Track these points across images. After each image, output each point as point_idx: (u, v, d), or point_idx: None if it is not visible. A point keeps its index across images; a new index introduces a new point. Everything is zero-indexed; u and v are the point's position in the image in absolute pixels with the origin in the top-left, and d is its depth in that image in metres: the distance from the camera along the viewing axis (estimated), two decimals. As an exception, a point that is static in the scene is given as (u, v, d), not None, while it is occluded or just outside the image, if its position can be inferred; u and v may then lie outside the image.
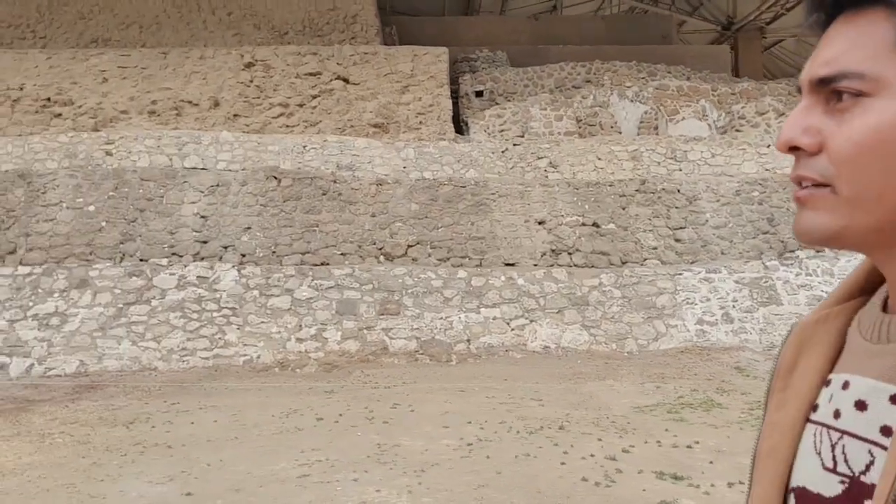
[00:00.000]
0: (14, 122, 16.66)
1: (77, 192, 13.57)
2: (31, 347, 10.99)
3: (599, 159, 15.58)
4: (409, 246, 13.18)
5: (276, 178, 14.01)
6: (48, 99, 17.16)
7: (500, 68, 21.49)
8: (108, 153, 15.04)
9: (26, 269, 11.93)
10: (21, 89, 17.38)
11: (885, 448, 0.61)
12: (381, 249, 13.16)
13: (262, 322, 11.49)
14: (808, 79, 0.67)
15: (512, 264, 12.94)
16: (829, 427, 0.68)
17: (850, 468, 0.65)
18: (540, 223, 13.51)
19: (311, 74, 18.21)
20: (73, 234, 12.99)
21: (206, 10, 21.05)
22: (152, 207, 13.48)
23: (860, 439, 0.64)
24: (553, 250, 13.14)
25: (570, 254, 13.08)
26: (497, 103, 20.65)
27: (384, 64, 18.55)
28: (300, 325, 11.47)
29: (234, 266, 12.21)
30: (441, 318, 11.55)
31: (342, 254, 13.06)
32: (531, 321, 11.56)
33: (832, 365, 0.72)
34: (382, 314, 11.59)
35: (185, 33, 20.65)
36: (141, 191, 13.69)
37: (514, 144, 15.94)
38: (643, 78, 19.91)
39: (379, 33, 21.27)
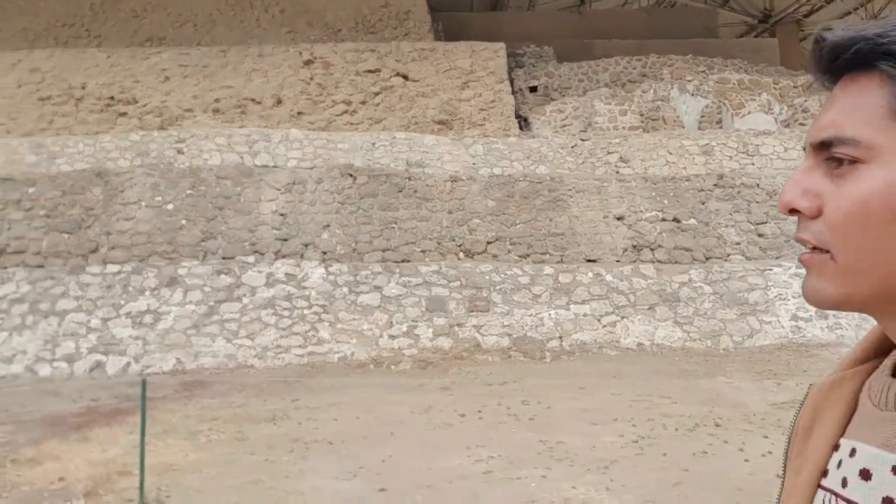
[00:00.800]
0: (80, 120, 16.75)
1: (155, 191, 13.61)
2: (127, 346, 11.04)
3: (671, 154, 15.45)
4: (489, 242, 13.13)
5: (351, 175, 13.98)
6: (112, 98, 17.24)
7: (553, 63, 21.37)
8: (180, 151, 15.09)
9: (115, 268, 11.99)
10: (83, 88, 17.47)
11: None
12: (460, 246, 13.11)
13: (353, 319, 11.48)
14: (811, 141, 0.66)
15: (593, 260, 12.85)
16: (837, 495, 0.67)
17: None
18: (619, 219, 13.41)
19: (370, 71, 18.19)
20: (155, 233, 13.03)
21: (258, 8, 21.08)
22: (230, 205, 13.49)
23: None
24: (634, 246, 13.04)
25: (652, 250, 12.97)
26: (552, 98, 20.54)
27: (442, 60, 18.49)
28: (391, 322, 11.45)
29: (320, 263, 12.21)
30: (531, 314, 11.49)
31: (422, 251, 13.02)
32: (622, 318, 11.48)
33: (844, 429, 0.71)
34: (472, 311, 11.54)
35: (238, 31, 20.69)
36: (218, 189, 13.71)
37: (582, 139, 15.84)
38: (702, 72, 19.73)
39: (432, 30, 21.22)
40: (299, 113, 17.16)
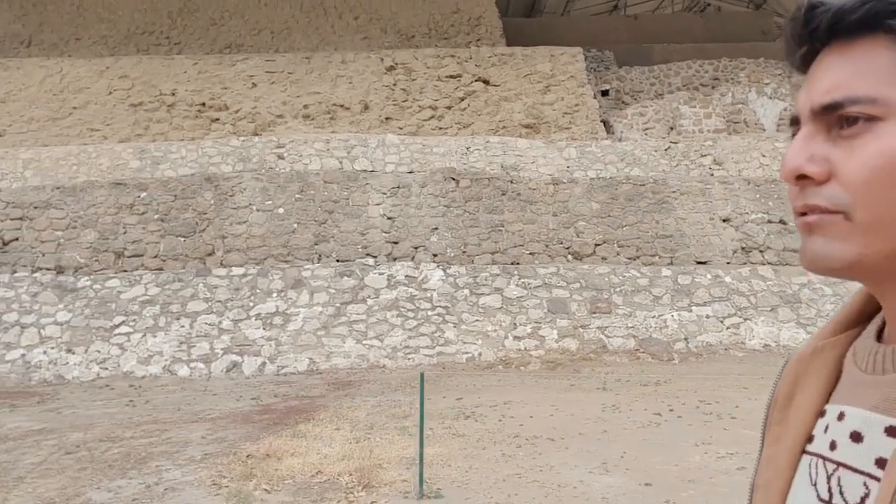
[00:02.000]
0: (175, 126, 17.07)
1: (265, 195, 13.86)
2: (260, 346, 11.26)
3: (763, 156, 15.51)
4: (597, 245, 13.25)
5: (454, 179, 14.17)
6: (203, 104, 17.55)
7: (625, 67, 21.48)
8: (280, 157, 15.35)
9: (240, 270, 12.24)
10: (173, 94, 17.81)
11: (879, 480, 0.61)
12: (568, 248, 13.24)
13: (477, 320, 11.64)
14: (810, 107, 0.65)
15: (703, 262, 12.94)
16: (824, 458, 0.67)
17: (845, 500, 0.64)
18: (724, 220, 13.49)
19: (451, 77, 18.40)
20: (269, 236, 13.27)
21: (333, 15, 21.37)
22: (339, 209, 13.72)
23: (855, 471, 0.63)
24: (743, 248, 13.11)
25: (761, 251, 13.04)
26: (623, 102, 20.65)
27: (522, 65, 18.66)
28: (514, 324, 11.59)
29: (438, 266, 12.38)
30: (654, 316, 11.60)
31: (531, 253, 13.17)
32: (745, 319, 11.56)
33: (828, 396, 0.71)
34: (594, 313, 11.67)
35: (314, 38, 20.98)
36: (325, 193, 13.94)
37: (673, 142, 15.93)
38: (779, 74, 19.76)
39: (503, 35, 21.40)
40: (387, 118, 17.38)
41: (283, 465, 5.63)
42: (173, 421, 7.77)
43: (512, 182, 14.19)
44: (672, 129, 17.81)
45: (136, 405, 8.88)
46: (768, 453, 0.75)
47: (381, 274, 12.21)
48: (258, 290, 11.96)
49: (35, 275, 12.16)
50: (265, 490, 5.13)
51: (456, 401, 8.44)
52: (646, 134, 17.67)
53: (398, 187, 14.10)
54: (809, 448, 0.70)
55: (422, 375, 5.42)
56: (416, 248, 13.25)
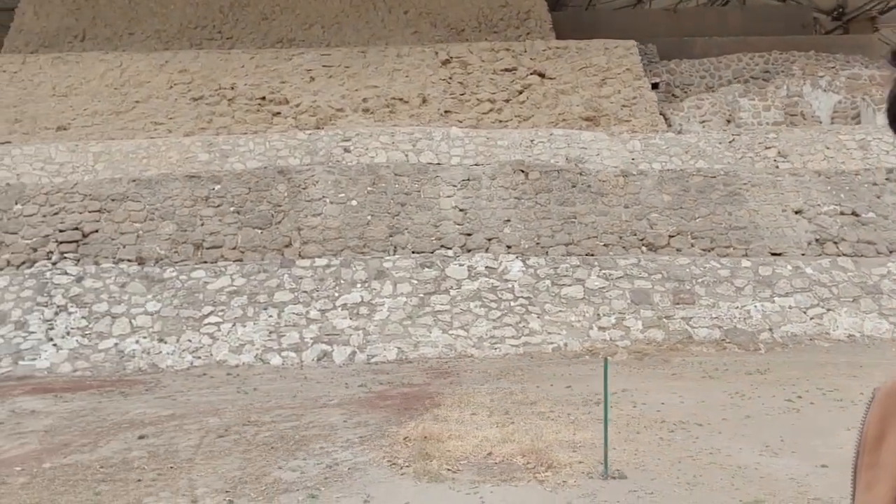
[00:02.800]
0: (237, 120, 17.23)
1: (337, 188, 13.99)
2: (349, 336, 11.41)
3: (828, 148, 15.53)
4: (671, 236, 13.32)
5: (523, 171, 14.26)
6: (263, 98, 17.70)
7: (675, 60, 21.48)
8: (346, 150, 15.48)
9: (324, 261, 12.38)
10: (233, 88, 17.96)
11: None
12: (642, 240, 13.32)
13: (560, 311, 11.75)
14: None
15: (778, 254, 12.98)
16: None
17: None
18: (797, 212, 13.53)
19: (506, 70, 18.47)
20: (344, 228, 13.41)
21: (382, 10, 21.46)
22: (411, 202, 13.83)
23: None
24: (817, 240, 13.15)
25: (835, 243, 13.07)
26: (674, 95, 20.67)
27: (577, 58, 18.71)
28: (598, 314, 11.69)
29: (517, 257, 12.49)
30: (737, 307, 11.67)
31: (605, 245, 13.25)
32: (828, 310, 11.61)
33: None
34: (678, 303, 11.75)
35: (365, 32, 21.08)
36: (397, 185, 14.06)
37: (735, 135, 15.96)
38: (832, 67, 19.72)
39: (553, 28, 21.45)
40: (446, 111, 17.48)
41: (449, 447, 5.76)
42: (299, 407, 7.92)
43: (581, 174, 14.26)
44: (729, 121, 17.82)
45: (248, 392, 9.04)
46: (862, 501, 0.68)
47: (461, 265, 12.33)
48: (342, 281, 12.10)
49: (121, 266, 12.34)
50: (448, 470, 5.26)
51: (566, 388, 8.56)
52: (703, 126, 17.70)
53: (468, 179, 14.20)
54: None
55: (606, 361, 5.53)
56: (489, 239, 13.35)
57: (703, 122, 17.87)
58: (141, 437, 6.71)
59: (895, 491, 0.65)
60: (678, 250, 13.14)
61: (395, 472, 5.29)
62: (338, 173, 14.23)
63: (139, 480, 5.37)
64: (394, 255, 12.80)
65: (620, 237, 13.39)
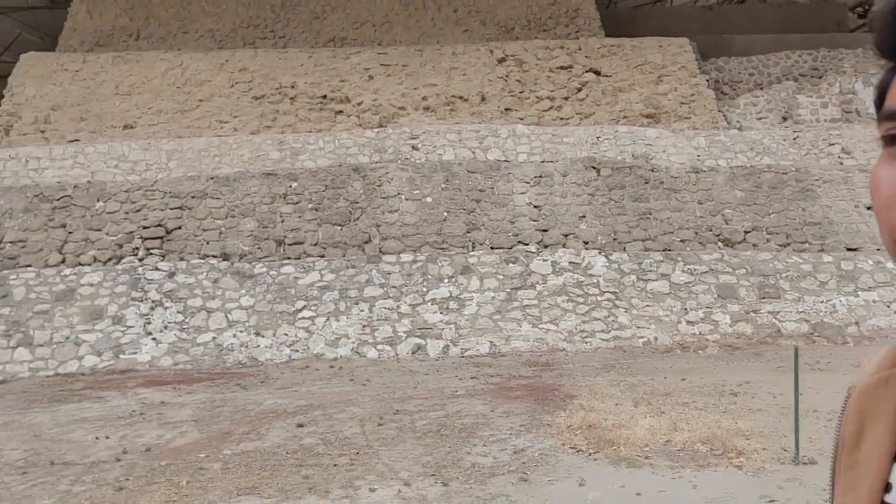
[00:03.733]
0: (301, 118, 17.41)
1: (411, 185, 14.18)
2: (441, 330, 11.60)
3: (892, 145, 15.66)
4: (746, 232, 13.48)
5: (594, 168, 14.43)
6: (324, 96, 17.87)
7: (723, 58, 21.60)
8: (415, 147, 15.65)
9: (410, 257, 12.58)
10: (293, 87, 18.13)
11: None
12: (718, 236, 13.48)
13: (647, 306, 11.92)
14: None
15: (854, 249, 13.13)
16: None
17: None
18: (869, 208, 13.66)
19: (562, 68, 18.61)
20: (422, 224, 13.59)
21: (432, 9, 21.61)
22: (486, 198, 14.01)
23: None
24: (892, 235, 13.29)
25: (910, 238, 13.21)
26: (723, 92, 20.80)
27: (632, 55, 18.85)
28: (685, 309, 11.86)
29: (600, 252, 12.66)
30: (822, 301, 11.83)
31: (682, 240, 13.42)
32: (912, 303, 11.77)
33: None
34: (763, 298, 11.92)
35: (415, 31, 21.24)
36: (470, 182, 14.24)
37: (798, 131, 16.10)
38: (882, 64, 19.79)
39: (602, 26, 21.58)
40: (507, 109, 17.64)
41: (622, 435, 5.93)
42: (432, 397, 8.11)
43: (652, 170, 14.43)
44: (785, 118, 17.96)
45: (364, 384, 9.24)
46: (842, 503, 0.66)
47: (544, 260, 12.51)
48: (429, 276, 12.29)
49: (211, 261, 12.55)
50: (639, 456, 5.44)
51: (681, 381, 8.73)
52: (761, 122, 17.83)
53: (540, 176, 14.38)
54: (888, 499, 0.62)
55: (796, 350, 5.70)
56: (566, 235, 13.53)
57: (760, 118, 18.01)
58: (300, 426, 6.91)
59: (875, 492, 0.62)
60: (755, 245, 13.30)
61: (586, 458, 5.47)
62: (411, 170, 14.42)
63: (335, 465, 5.56)
64: (475, 250, 12.98)
65: (696, 233, 13.55)
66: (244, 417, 7.48)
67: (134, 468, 5.77)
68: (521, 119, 17.44)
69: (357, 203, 13.98)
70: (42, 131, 16.93)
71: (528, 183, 14.27)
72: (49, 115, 17.24)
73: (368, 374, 10.03)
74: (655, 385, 8.30)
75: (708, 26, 27.62)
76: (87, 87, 18.01)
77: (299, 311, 11.88)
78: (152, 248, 13.13)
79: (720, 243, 13.41)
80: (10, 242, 13.20)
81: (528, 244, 13.37)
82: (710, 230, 13.55)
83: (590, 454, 5.54)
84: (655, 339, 11.49)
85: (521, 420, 6.76)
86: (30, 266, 12.82)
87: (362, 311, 11.86)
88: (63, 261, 12.98)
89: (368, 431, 6.57)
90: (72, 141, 16.46)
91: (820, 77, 19.67)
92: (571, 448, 5.71)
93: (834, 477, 0.68)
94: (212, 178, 14.17)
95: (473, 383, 8.97)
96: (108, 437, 6.83)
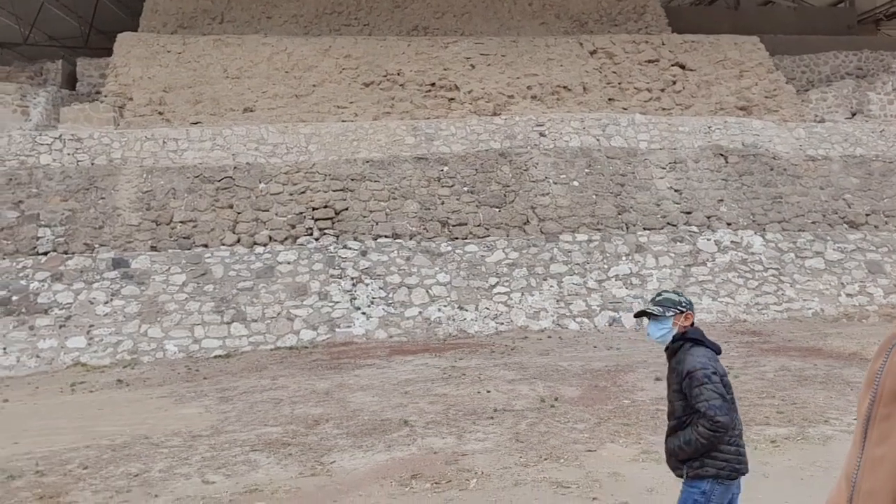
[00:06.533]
0: (417, 105, 17.83)
1: (557, 169, 14.91)
2: (630, 303, 12.41)
3: (967, 138, 17.34)
4: (867, 215, 14.80)
5: (722, 155, 15.49)
6: (433, 84, 18.34)
7: (777, 56, 23.08)
8: (542, 134, 16.35)
9: (584, 237, 13.32)
10: (399, 74, 18.52)
11: None
12: (843, 218, 14.75)
13: (808, 280, 13.05)
14: None
15: (962, 230, 14.64)
16: None
17: None
18: (968, 194, 15.22)
19: (649, 61, 19.63)
20: (574, 206, 14.35)
21: (508, 1, 22.28)
22: (629, 182, 14.88)
23: None
24: None
25: None
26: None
27: (712, 51, 20.04)
28: (842, 283, 13.05)
29: (756, 233, 13.72)
30: (957, 275, 13.23)
31: (812, 222, 14.63)
32: None
33: None
34: (907, 272, 13.22)
35: (494, 22, 21.87)
36: (611, 168, 15.08)
37: (885, 125, 17.60)
38: (928, 65, 21.67)
39: (668, 24, 22.72)
40: (610, 99, 18.52)
41: None
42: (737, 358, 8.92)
43: (774, 157, 15.60)
44: (854, 112, 19.50)
45: (619, 350, 9.97)
46: (874, 454, 0.65)
47: (708, 240, 13.48)
48: (607, 254, 13.08)
49: (399, 240, 12.97)
50: None
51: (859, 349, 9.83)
52: (829, 117, 19.30)
53: (675, 162, 15.34)
54: None
55: None
56: (708, 217, 14.53)
57: (829, 112, 19.49)
58: (657, 380, 7.62)
59: None
60: (876, 227, 14.64)
61: None
62: (554, 156, 15.14)
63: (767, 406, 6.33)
64: (624, 231, 13.83)
65: (824, 215, 14.79)
66: (581, 374, 8.12)
67: (567, 413, 6.38)
68: (625, 109, 18.35)
69: (509, 186, 14.60)
70: (160, 112, 16.81)
71: (664, 168, 15.20)
72: (162, 96, 17.11)
73: (601, 341, 10.75)
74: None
75: (734, 27, 29.22)
76: (193, 69, 17.92)
77: (493, 286, 12.47)
78: (325, 229, 13.43)
79: (846, 225, 14.69)
80: (181, 223, 13.27)
81: (675, 225, 14.30)
82: (836, 213, 14.81)
83: None
84: (822, 310, 12.63)
85: (819, 382, 7.67)
86: (206, 245, 12.95)
87: (552, 286, 12.56)
88: (238, 241, 13.14)
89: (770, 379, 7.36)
90: (195, 123, 16.43)
91: (864, 77, 21.34)
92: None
93: (868, 426, 0.66)
94: (367, 162, 14.53)
95: (747, 349, 9.81)
96: (489, 392, 7.37)
